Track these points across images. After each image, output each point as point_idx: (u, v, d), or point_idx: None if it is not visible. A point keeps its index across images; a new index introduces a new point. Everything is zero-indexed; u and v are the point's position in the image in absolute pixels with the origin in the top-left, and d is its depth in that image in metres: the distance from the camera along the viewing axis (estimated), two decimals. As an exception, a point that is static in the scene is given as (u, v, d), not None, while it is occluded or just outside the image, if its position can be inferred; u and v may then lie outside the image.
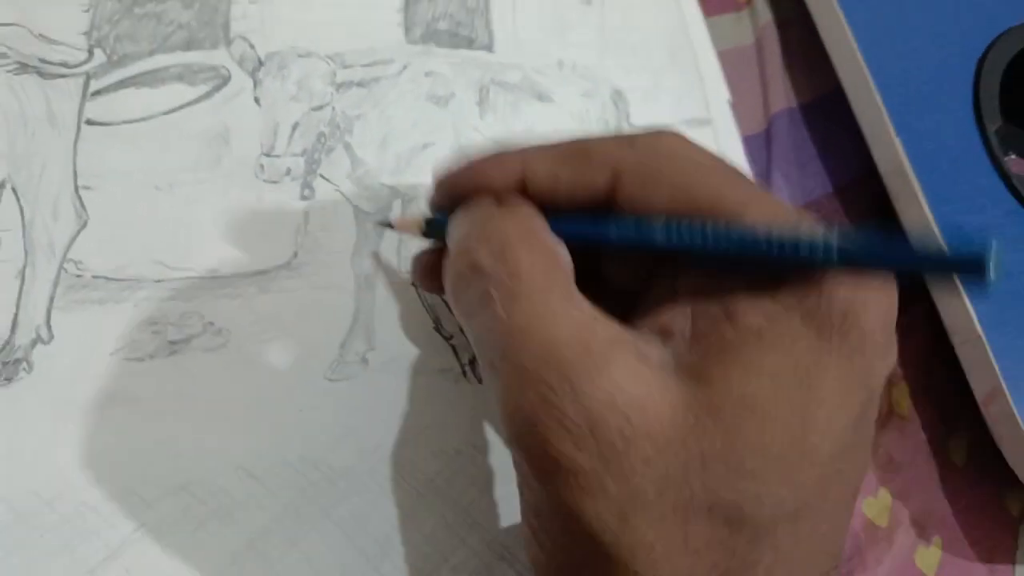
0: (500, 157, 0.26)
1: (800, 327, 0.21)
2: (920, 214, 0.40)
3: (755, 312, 0.21)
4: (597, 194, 0.24)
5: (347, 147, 0.36)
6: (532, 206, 0.25)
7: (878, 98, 0.42)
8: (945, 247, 0.18)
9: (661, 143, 0.25)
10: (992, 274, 0.17)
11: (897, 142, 0.41)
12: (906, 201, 0.41)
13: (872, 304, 0.22)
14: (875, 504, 0.39)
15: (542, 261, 0.23)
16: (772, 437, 0.21)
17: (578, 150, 0.25)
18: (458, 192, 0.26)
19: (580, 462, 0.20)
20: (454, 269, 0.25)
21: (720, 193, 0.23)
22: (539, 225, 0.24)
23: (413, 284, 0.34)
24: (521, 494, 0.24)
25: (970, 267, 0.17)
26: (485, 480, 0.33)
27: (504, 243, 0.23)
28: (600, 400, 0.20)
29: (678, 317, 0.23)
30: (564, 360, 0.21)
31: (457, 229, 0.25)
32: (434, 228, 0.29)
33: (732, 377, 0.21)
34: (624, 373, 0.21)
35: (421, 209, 0.34)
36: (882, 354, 0.22)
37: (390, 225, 0.33)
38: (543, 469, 0.21)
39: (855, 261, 0.20)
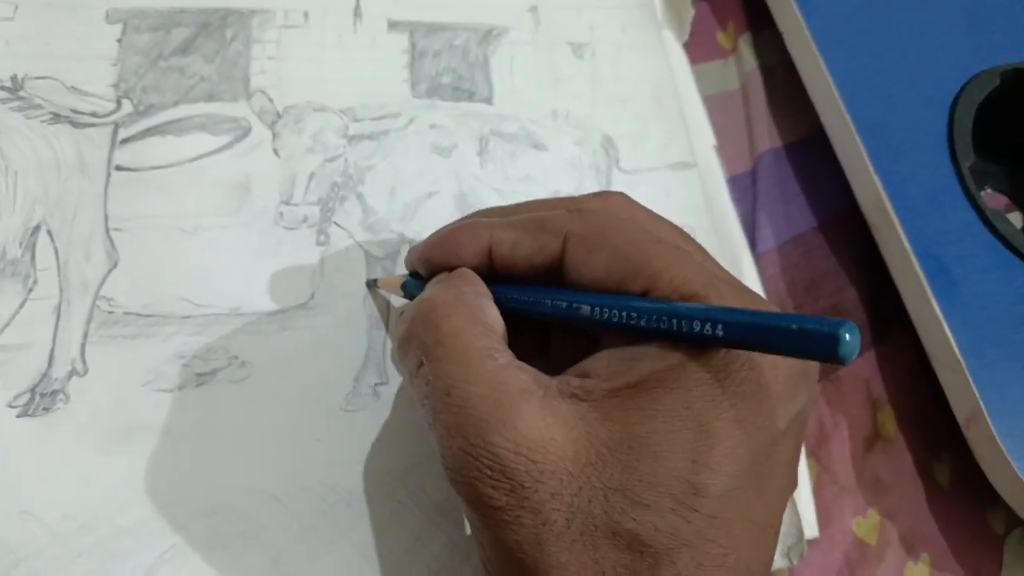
0: (473, 226, 0.30)
1: (698, 374, 0.24)
2: (900, 247, 0.42)
3: (661, 360, 0.24)
4: (552, 257, 0.28)
5: (359, 196, 0.38)
6: (471, 276, 0.29)
7: (858, 139, 0.44)
8: (803, 332, 0.20)
9: (607, 213, 0.28)
10: (843, 355, 0.19)
11: (876, 180, 0.43)
12: (886, 235, 0.43)
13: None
14: (864, 523, 0.41)
15: (465, 325, 0.26)
16: (664, 473, 0.23)
17: (536, 221, 0.28)
18: (435, 258, 0.30)
19: (498, 501, 0.24)
20: (395, 337, 0.28)
21: (645, 260, 0.26)
22: (470, 292, 0.28)
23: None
24: (470, 525, 0.27)
25: (826, 351, 0.20)
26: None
27: (432, 312, 0.27)
28: (507, 448, 0.23)
29: (599, 361, 0.26)
30: (479, 416, 0.24)
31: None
32: (410, 289, 0.33)
33: (631, 417, 0.23)
34: (529, 421, 0.23)
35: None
36: (785, 400, 0.24)
37: (375, 283, 0.36)
38: (473, 507, 0.25)
39: (733, 342, 0.22)
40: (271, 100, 0.38)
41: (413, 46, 0.42)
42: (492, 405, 0.24)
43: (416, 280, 0.32)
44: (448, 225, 0.31)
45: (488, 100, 0.43)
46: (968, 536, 0.42)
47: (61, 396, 0.32)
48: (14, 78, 0.36)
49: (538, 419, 0.24)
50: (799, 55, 0.48)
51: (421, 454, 0.35)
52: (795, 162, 0.49)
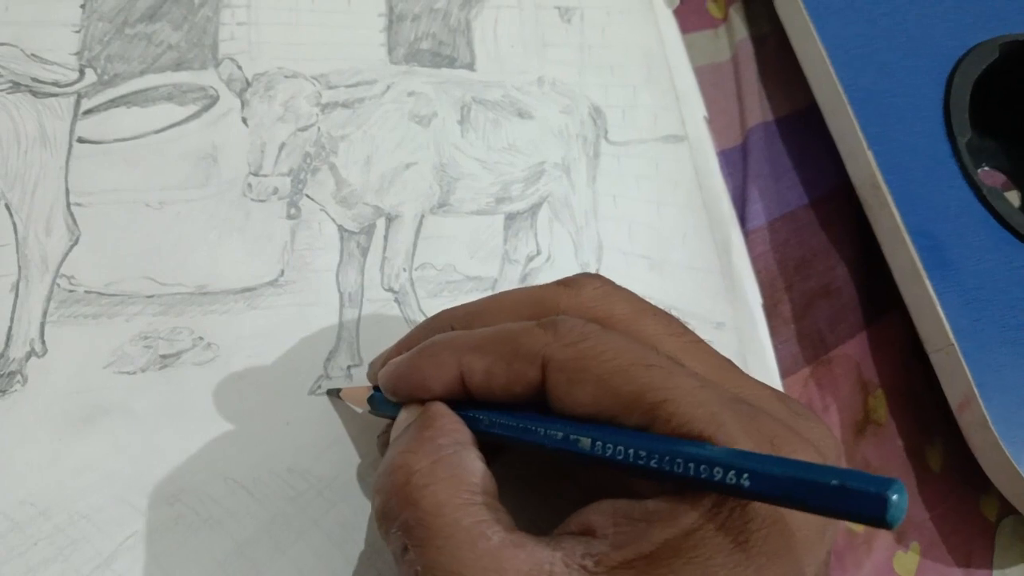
0: (437, 355, 0.26)
1: (717, 538, 0.21)
2: (893, 225, 0.41)
3: (673, 523, 0.21)
4: (531, 387, 0.25)
5: (332, 167, 0.37)
6: (446, 425, 0.25)
7: (851, 113, 0.43)
8: (845, 490, 0.18)
9: (586, 331, 0.24)
10: (892, 520, 0.17)
11: (870, 155, 0.42)
12: (879, 212, 0.42)
13: None
14: (853, 510, 0.40)
15: (448, 496, 0.23)
16: None
17: (508, 346, 0.25)
18: (401, 391, 0.27)
19: None
20: (375, 512, 0.25)
21: (638, 391, 0.23)
22: (447, 446, 0.25)
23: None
24: None
25: (871, 514, 0.17)
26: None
27: (407, 485, 0.24)
28: None
29: (600, 516, 0.23)
30: None
31: (381, 467, 0.26)
32: (378, 405, 0.30)
33: None
34: None
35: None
36: (812, 548, 0.22)
37: (338, 393, 0.33)
38: None
39: (760, 496, 0.20)
40: (240, 67, 0.37)
41: (391, 9, 0.41)
42: None
43: (384, 400, 0.29)
44: (408, 342, 0.28)
45: (470, 66, 0.41)
46: (960, 524, 0.42)
47: (19, 378, 0.30)
48: (-31, 43, 0.34)
49: None
50: (791, 25, 0.47)
51: (395, 438, 0.33)
52: (786, 137, 0.47)
